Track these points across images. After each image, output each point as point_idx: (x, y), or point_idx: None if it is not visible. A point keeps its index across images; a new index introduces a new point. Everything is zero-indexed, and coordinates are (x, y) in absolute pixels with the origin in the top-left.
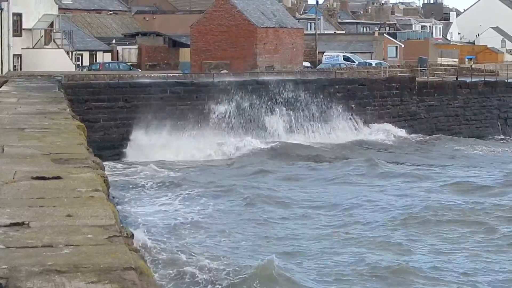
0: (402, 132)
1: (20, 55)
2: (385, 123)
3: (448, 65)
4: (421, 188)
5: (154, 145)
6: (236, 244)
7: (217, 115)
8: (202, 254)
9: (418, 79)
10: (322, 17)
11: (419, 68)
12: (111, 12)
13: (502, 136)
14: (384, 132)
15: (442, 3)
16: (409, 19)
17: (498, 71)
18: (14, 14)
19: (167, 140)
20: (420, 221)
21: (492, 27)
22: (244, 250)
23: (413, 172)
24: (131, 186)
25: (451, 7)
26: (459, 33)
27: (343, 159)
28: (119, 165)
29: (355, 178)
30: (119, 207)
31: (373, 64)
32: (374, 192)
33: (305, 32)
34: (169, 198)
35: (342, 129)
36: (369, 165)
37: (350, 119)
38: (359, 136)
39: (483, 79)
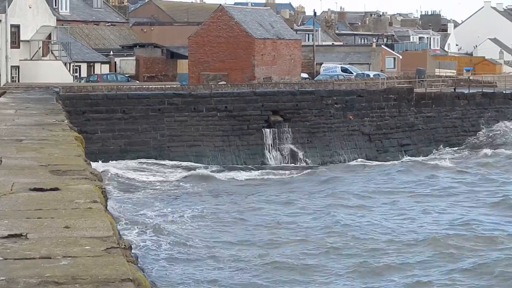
0: None
1: (18, 67)
2: None
3: (446, 76)
4: None
5: None
6: None
7: None
8: None
9: (416, 90)
10: (320, 28)
11: (417, 79)
12: (109, 24)
13: None
14: None
15: (440, 15)
16: (407, 30)
17: (496, 82)
18: (12, 25)
19: None
20: None
21: (490, 38)
22: None
23: None
24: None
25: (449, 18)
26: (457, 45)
27: None
28: None
29: None
30: None
31: (371, 75)
32: None
33: (303, 43)
34: None
35: None
36: None
37: None
38: None
39: (481, 90)
